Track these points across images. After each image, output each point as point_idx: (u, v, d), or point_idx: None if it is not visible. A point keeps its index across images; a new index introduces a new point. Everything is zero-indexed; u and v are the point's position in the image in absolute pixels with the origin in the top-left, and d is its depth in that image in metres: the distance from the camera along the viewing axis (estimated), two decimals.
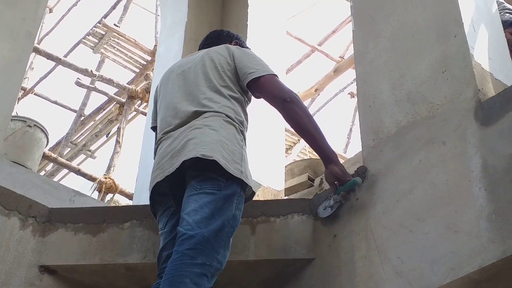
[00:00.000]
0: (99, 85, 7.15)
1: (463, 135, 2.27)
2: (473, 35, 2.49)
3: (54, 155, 6.28)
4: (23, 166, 4.51)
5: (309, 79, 7.95)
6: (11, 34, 3.13)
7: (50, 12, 8.84)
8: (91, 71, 6.79)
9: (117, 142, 6.46)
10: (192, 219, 2.23)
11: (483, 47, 2.50)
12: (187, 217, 2.25)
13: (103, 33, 7.13)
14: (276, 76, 2.62)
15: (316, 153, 2.55)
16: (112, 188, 5.92)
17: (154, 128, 2.77)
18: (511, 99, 2.18)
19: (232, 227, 2.29)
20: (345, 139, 8.62)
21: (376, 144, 2.60)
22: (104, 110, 7.55)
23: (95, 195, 5.83)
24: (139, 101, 7.09)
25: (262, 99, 2.68)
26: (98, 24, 7.14)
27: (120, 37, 7.13)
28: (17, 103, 6.49)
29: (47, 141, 5.04)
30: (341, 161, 2.62)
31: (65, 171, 7.42)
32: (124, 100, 7.02)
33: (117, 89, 7.13)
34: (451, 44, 2.49)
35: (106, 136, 7.85)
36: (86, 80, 7.05)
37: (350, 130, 8.63)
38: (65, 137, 7.44)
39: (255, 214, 2.65)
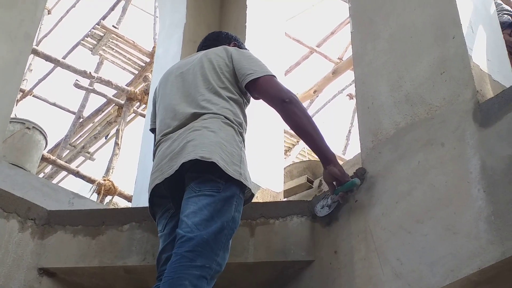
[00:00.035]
0: (97, 87, 7.15)
1: (461, 137, 2.27)
2: (472, 37, 2.49)
3: (53, 157, 6.27)
4: (22, 168, 4.51)
5: (307, 81, 7.95)
6: (10, 36, 3.12)
7: (48, 13, 8.84)
8: (90, 72, 6.79)
9: (116, 144, 6.46)
10: (191, 221, 2.23)
11: (481, 49, 2.50)
12: (186, 219, 2.24)
13: (102, 34, 7.13)
14: (275, 76, 2.62)
15: (315, 153, 2.55)
16: (111, 190, 5.92)
17: (153, 130, 2.77)
18: (509, 100, 2.18)
19: (231, 229, 2.29)
20: (344, 140, 8.63)
21: (375, 146, 2.61)
22: (103, 112, 7.56)
23: (94, 197, 5.83)
24: (138, 103, 7.09)
25: (261, 101, 2.68)
26: (96, 25, 7.14)
27: (118, 38, 7.13)
28: (16, 105, 6.48)
29: (46, 143, 5.04)
30: (340, 162, 2.62)
31: (64, 173, 7.41)
32: (123, 102, 7.02)
33: (115, 91, 7.13)
34: (450, 45, 2.49)
35: (105, 138, 7.85)
36: (85, 82, 7.05)
37: (349, 131, 8.64)
38: (64, 139, 7.44)
39: (254, 216, 2.65)
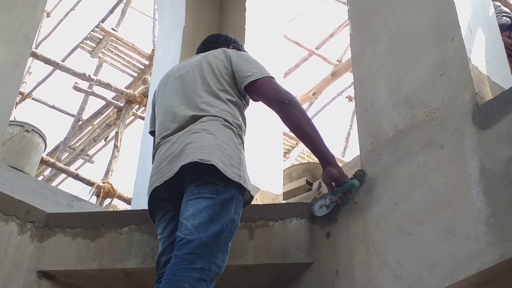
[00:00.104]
0: (97, 89, 7.14)
1: (460, 139, 2.27)
2: (470, 39, 2.49)
3: (52, 160, 6.27)
4: (21, 171, 4.50)
5: (306, 83, 7.95)
6: (9, 39, 3.12)
7: (47, 16, 8.84)
8: (89, 75, 6.79)
9: (115, 146, 6.46)
10: (191, 224, 2.22)
11: (480, 51, 2.50)
12: (186, 221, 2.24)
13: (101, 37, 7.13)
14: (273, 78, 2.62)
15: (314, 154, 2.56)
16: (110, 193, 5.92)
17: (152, 133, 2.77)
18: (508, 102, 2.18)
19: (230, 231, 2.28)
20: (343, 142, 8.63)
21: (374, 148, 2.61)
22: (102, 114, 7.55)
23: (93, 200, 5.83)
24: (137, 106, 7.09)
25: (260, 103, 2.68)
26: (95, 28, 7.14)
27: (118, 41, 7.13)
28: (15, 108, 6.48)
29: (45, 146, 5.04)
30: (339, 165, 2.62)
31: (63, 176, 7.41)
32: (122, 105, 7.02)
33: (115, 94, 7.13)
34: (449, 47, 2.49)
35: (104, 141, 7.85)
36: (84, 85, 7.05)
37: (348, 133, 8.64)
38: (63, 142, 7.44)
39: (253, 218, 2.64)
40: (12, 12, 3.20)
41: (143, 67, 7.29)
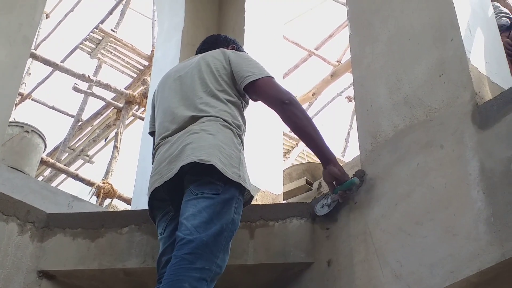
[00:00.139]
0: (96, 90, 7.15)
1: (460, 139, 2.27)
2: (470, 39, 2.50)
3: (52, 161, 6.27)
4: (21, 171, 4.51)
5: (306, 83, 7.96)
6: (8, 40, 3.12)
7: (47, 17, 8.85)
8: (89, 76, 6.80)
9: (115, 147, 6.46)
10: (191, 224, 2.23)
11: (479, 51, 2.50)
12: (186, 221, 2.25)
13: (100, 38, 7.13)
14: (273, 78, 2.62)
15: (315, 154, 2.56)
16: (110, 193, 5.92)
17: (152, 133, 2.77)
18: (508, 103, 2.19)
19: (231, 231, 2.29)
20: (343, 143, 8.63)
21: (374, 148, 2.61)
22: (102, 115, 7.56)
23: (93, 200, 5.83)
24: (137, 106, 7.09)
25: (259, 103, 2.69)
26: (95, 29, 7.15)
27: (117, 42, 7.13)
28: (15, 109, 6.48)
29: (45, 147, 5.04)
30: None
31: (63, 176, 7.41)
32: (121, 105, 7.02)
33: (114, 94, 7.14)
34: (448, 48, 2.49)
35: (104, 141, 7.85)
36: (84, 86, 7.05)
37: (348, 134, 8.64)
38: (63, 143, 7.45)
39: (253, 218, 2.65)
40: (11, 13, 3.21)
41: (142, 68, 7.29)
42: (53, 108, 8.27)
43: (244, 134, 2.60)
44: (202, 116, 2.47)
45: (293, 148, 7.84)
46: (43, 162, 5.69)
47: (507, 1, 4.74)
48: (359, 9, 3.09)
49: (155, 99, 2.80)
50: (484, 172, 2.13)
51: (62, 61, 7.52)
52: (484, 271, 1.98)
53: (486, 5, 2.83)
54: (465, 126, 2.28)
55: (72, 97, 7.95)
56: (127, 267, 2.60)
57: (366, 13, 3.00)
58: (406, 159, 2.42)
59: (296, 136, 7.47)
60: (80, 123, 7.61)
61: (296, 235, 2.61)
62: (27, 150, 4.72)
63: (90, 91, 7.14)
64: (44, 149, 5.11)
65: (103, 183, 5.96)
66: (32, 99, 7.88)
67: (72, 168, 7.15)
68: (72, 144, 7.76)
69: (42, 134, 4.92)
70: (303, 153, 7.85)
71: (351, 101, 8.24)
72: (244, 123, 2.61)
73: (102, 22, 7.52)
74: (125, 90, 6.98)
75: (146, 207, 2.52)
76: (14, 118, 5.53)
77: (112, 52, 7.21)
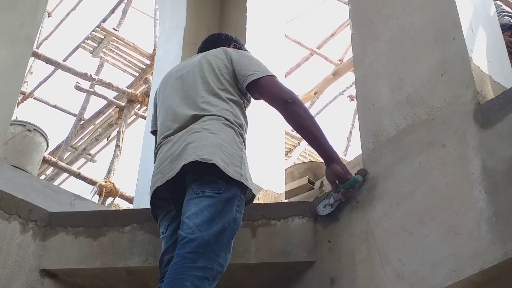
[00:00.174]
0: (98, 89, 7.15)
1: (462, 138, 2.27)
2: (472, 38, 2.49)
3: (54, 159, 6.28)
4: (23, 170, 4.51)
5: (308, 82, 7.96)
6: (10, 39, 3.13)
7: (49, 16, 8.85)
8: (91, 75, 6.80)
9: (117, 145, 6.47)
10: (193, 223, 2.23)
11: (481, 50, 2.50)
12: (188, 220, 2.25)
13: (102, 37, 7.14)
14: (275, 77, 2.62)
15: (318, 153, 2.56)
16: (112, 192, 5.93)
17: (154, 132, 2.77)
18: (510, 102, 2.19)
19: (233, 230, 2.29)
20: (345, 142, 8.63)
21: (376, 147, 2.61)
22: (104, 114, 7.56)
23: (96, 199, 5.83)
24: (139, 105, 7.10)
25: (261, 102, 2.69)
26: (97, 28, 7.15)
27: (119, 41, 7.14)
28: (17, 108, 6.49)
29: (47, 145, 5.04)
30: None
31: (65, 175, 7.42)
32: (123, 104, 7.03)
33: (116, 93, 7.14)
34: (450, 47, 2.49)
35: (106, 140, 7.86)
36: (86, 84, 7.05)
37: (350, 133, 8.64)
38: (65, 141, 7.45)
39: (255, 217, 2.65)
40: (14, 12, 3.21)
41: (144, 67, 7.30)
42: (55, 107, 8.27)
43: (246, 133, 2.60)
44: (204, 115, 2.48)
45: (295, 147, 7.84)
46: (45, 160, 5.69)
47: (510, 0, 4.74)
48: (361, 8, 3.09)
49: (156, 98, 2.80)
50: (486, 171, 2.13)
51: (64, 60, 7.52)
52: (486, 270, 1.98)
53: (488, 4, 2.83)
54: (467, 125, 2.28)
55: (74, 96, 7.96)
56: (129, 266, 2.60)
57: (368, 12, 3.00)
58: (408, 158, 2.42)
59: (298, 135, 7.50)
60: (82, 122, 7.62)
61: (298, 234, 2.61)
62: (29, 149, 4.72)
63: (92, 90, 7.14)
64: (46, 148, 5.11)
65: (105, 181, 5.96)
66: (34, 98, 7.89)
67: (74, 167, 7.16)
68: (74, 143, 7.77)
69: (44, 133, 4.92)
70: (305, 152, 7.85)
71: (353, 100, 8.25)
72: (246, 122, 2.61)
73: (104, 21, 7.53)
74: (127, 89, 6.99)
75: (148, 206, 2.52)
76: (16, 117, 5.53)
77: (114, 51, 7.22)
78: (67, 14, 8.88)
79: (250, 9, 4.24)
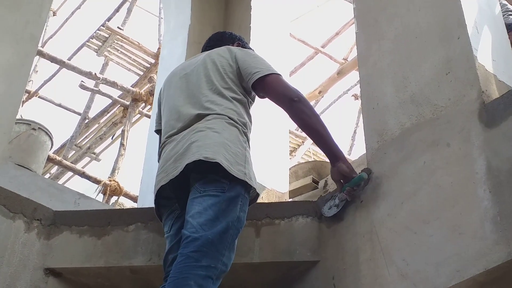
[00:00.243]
0: (103, 88, 7.17)
1: (467, 137, 2.27)
2: (477, 37, 2.49)
3: (58, 158, 6.29)
4: (28, 169, 4.52)
5: (312, 81, 7.96)
6: (15, 38, 3.13)
7: (53, 15, 8.87)
8: (95, 74, 6.81)
9: (122, 144, 6.48)
10: (197, 222, 2.23)
11: (486, 49, 2.49)
12: (192, 219, 2.25)
13: (107, 36, 7.14)
14: (280, 75, 2.62)
15: (323, 151, 2.56)
16: (116, 191, 5.94)
17: (158, 131, 2.78)
18: None
19: (236, 229, 2.29)
20: (349, 141, 8.63)
21: (380, 146, 2.61)
22: (108, 112, 7.58)
23: (100, 197, 5.85)
24: (143, 104, 7.11)
25: (265, 101, 2.69)
26: (101, 27, 7.16)
27: (123, 40, 7.15)
28: (22, 106, 6.51)
29: (52, 144, 5.06)
30: None
31: (69, 174, 7.43)
32: (128, 103, 7.04)
33: (121, 92, 7.15)
34: (455, 46, 2.49)
35: (111, 139, 7.87)
36: (90, 83, 7.07)
37: (354, 132, 8.64)
38: (70, 140, 7.47)
39: (259, 216, 2.65)
40: (18, 11, 3.21)
41: (149, 66, 7.30)
42: (60, 105, 8.29)
43: (250, 132, 2.59)
44: (208, 114, 2.48)
45: (299, 146, 7.84)
46: (50, 159, 5.71)
47: None
48: (365, 7, 3.08)
49: (161, 97, 2.80)
50: (491, 170, 2.13)
51: (69, 59, 7.54)
52: (490, 270, 1.98)
53: (493, 3, 2.82)
54: (471, 124, 2.27)
55: (79, 94, 7.98)
56: (134, 265, 2.60)
57: (373, 11, 2.99)
58: (412, 157, 2.42)
59: (302, 134, 7.50)
60: (86, 120, 7.63)
61: (302, 233, 2.60)
62: (34, 148, 4.74)
63: (96, 88, 7.15)
64: (51, 147, 5.12)
65: (110, 180, 5.97)
66: (39, 97, 7.91)
67: (78, 166, 7.18)
68: (78, 141, 7.79)
69: (49, 132, 4.94)
70: (309, 151, 7.85)
71: (357, 99, 8.23)
72: (250, 121, 2.61)
73: (108, 19, 7.53)
74: (131, 88, 7.00)
75: (152, 205, 2.52)
76: (21, 116, 5.55)
77: (118, 50, 7.23)
78: (72, 13, 8.90)
79: (254, 8, 4.24)
